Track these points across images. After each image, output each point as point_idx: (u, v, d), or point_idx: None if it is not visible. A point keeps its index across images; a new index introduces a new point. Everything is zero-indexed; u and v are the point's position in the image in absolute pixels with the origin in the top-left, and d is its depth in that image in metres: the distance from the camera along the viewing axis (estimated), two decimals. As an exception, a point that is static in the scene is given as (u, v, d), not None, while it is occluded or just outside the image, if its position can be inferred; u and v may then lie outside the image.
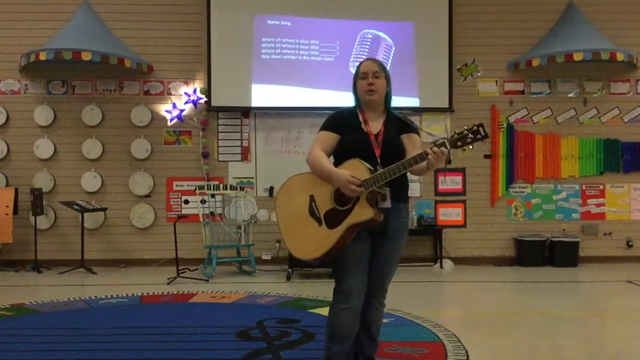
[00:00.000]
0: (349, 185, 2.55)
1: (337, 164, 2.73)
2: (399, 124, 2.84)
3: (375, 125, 2.80)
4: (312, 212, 2.68)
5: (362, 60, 2.93)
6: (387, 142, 2.75)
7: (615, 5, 8.03)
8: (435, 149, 2.50)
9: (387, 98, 2.87)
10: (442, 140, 2.52)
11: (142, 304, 5.28)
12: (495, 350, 3.74)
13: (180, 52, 7.92)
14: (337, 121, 2.83)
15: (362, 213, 2.58)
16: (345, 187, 2.57)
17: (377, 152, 2.71)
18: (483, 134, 2.51)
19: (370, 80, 2.77)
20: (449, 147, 2.51)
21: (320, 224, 2.65)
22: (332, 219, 2.62)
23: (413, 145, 2.81)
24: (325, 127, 2.84)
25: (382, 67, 2.82)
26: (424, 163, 2.54)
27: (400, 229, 2.79)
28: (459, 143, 2.52)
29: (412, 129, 2.84)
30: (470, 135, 2.51)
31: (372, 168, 2.62)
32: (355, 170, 2.60)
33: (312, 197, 2.70)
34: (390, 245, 2.77)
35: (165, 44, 7.90)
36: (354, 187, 2.55)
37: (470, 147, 2.53)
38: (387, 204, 2.66)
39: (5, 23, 7.84)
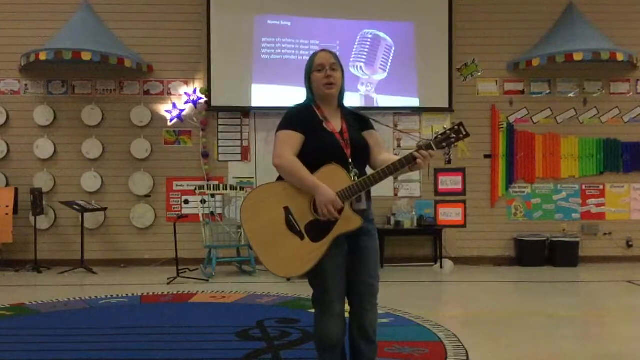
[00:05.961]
0: (330, 208, 2.42)
1: (308, 167, 2.55)
2: (356, 119, 2.72)
3: (335, 123, 2.65)
4: (291, 226, 2.50)
5: (315, 51, 2.74)
6: (355, 140, 2.62)
7: (615, 6, 8.03)
8: (423, 152, 2.45)
9: (342, 92, 2.71)
10: (427, 142, 2.48)
11: (142, 304, 5.28)
12: (495, 350, 3.74)
13: (180, 52, 7.92)
14: (299, 119, 2.63)
15: (350, 223, 2.48)
16: (324, 209, 2.43)
17: (348, 152, 2.57)
18: (464, 132, 2.49)
19: (328, 72, 2.62)
20: (435, 149, 2.48)
21: (302, 238, 2.49)
22: (315, 232, 2.48)
23: (376, 143, 2.72)
24: (288, 126, 2.64)
25: (337, 58, 2.67)
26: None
27: (373, 225, 2.71)
28: (444, 144, 2.49)
29: (370, 125, 2.76)
30: (453, 135, 2.48)
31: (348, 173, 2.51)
32: (336, 178, 2.48)
33: (287, 209, 2.53)
34: (371, 244, 2.66)
35: (165, 44, 7.90)
36: (334, 213, 2.42)
37: (453, 146, 2.52)
38: (363, 205, 2.57)
39: (5, 23, 7.84)
